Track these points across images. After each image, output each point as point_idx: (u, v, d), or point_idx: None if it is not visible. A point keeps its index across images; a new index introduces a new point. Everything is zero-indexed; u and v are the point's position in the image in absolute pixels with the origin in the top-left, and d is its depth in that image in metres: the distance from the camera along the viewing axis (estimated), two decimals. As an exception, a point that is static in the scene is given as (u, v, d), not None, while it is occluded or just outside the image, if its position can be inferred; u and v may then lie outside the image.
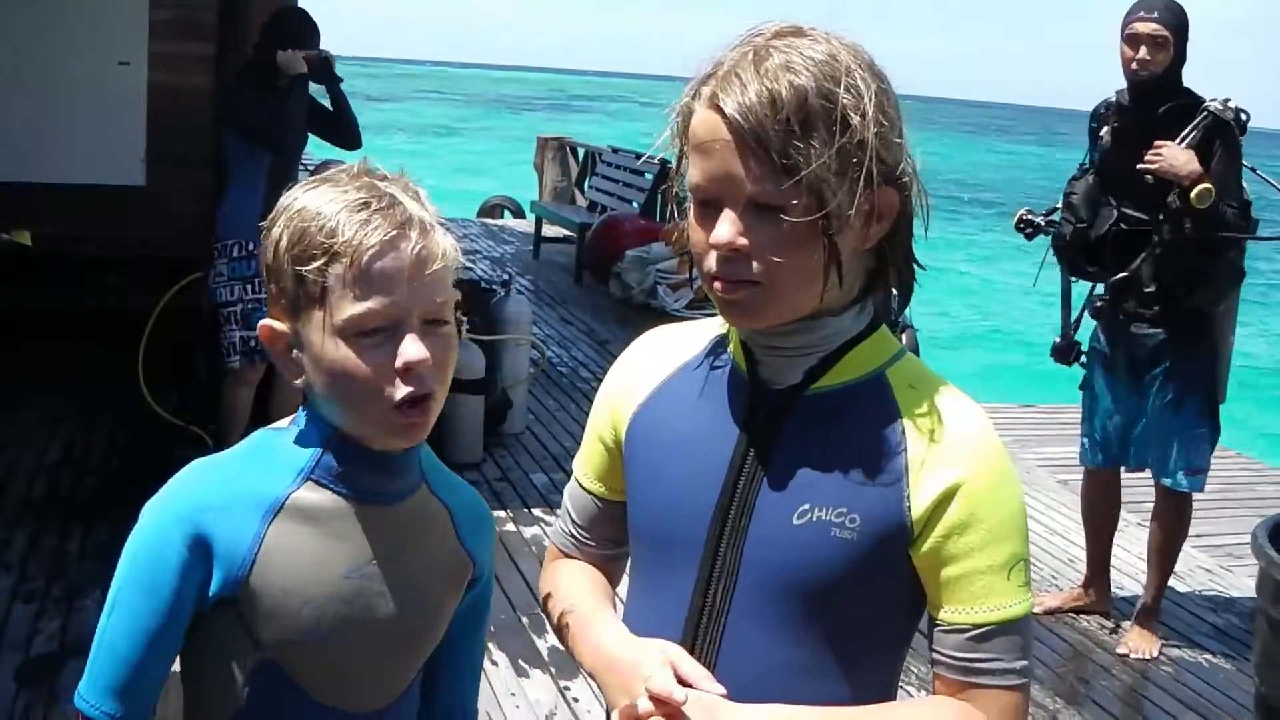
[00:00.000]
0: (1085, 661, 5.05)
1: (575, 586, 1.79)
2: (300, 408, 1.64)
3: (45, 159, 7.37)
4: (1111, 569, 5.52)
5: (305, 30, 6.08)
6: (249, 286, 5.80)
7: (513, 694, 4.44)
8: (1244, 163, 4.82)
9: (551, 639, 4.81)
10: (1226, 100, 4.74)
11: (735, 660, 1.56)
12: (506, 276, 8.51)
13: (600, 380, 1.83)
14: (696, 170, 1.52)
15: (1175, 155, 4.68)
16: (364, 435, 1.59)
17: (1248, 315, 5.11)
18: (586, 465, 1.82)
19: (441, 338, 1.57)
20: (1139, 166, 4.75)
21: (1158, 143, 4.71)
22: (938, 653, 1.56)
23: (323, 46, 6.15)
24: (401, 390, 1.53)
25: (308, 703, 1.60)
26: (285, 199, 1.58)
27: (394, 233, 1.52)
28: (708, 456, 1.61)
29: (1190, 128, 4.71)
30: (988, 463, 1.55)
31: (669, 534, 1.64)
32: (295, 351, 1.57)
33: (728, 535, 1.58)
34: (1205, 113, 4.72)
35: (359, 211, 1.52)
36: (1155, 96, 4.78)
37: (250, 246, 5.66)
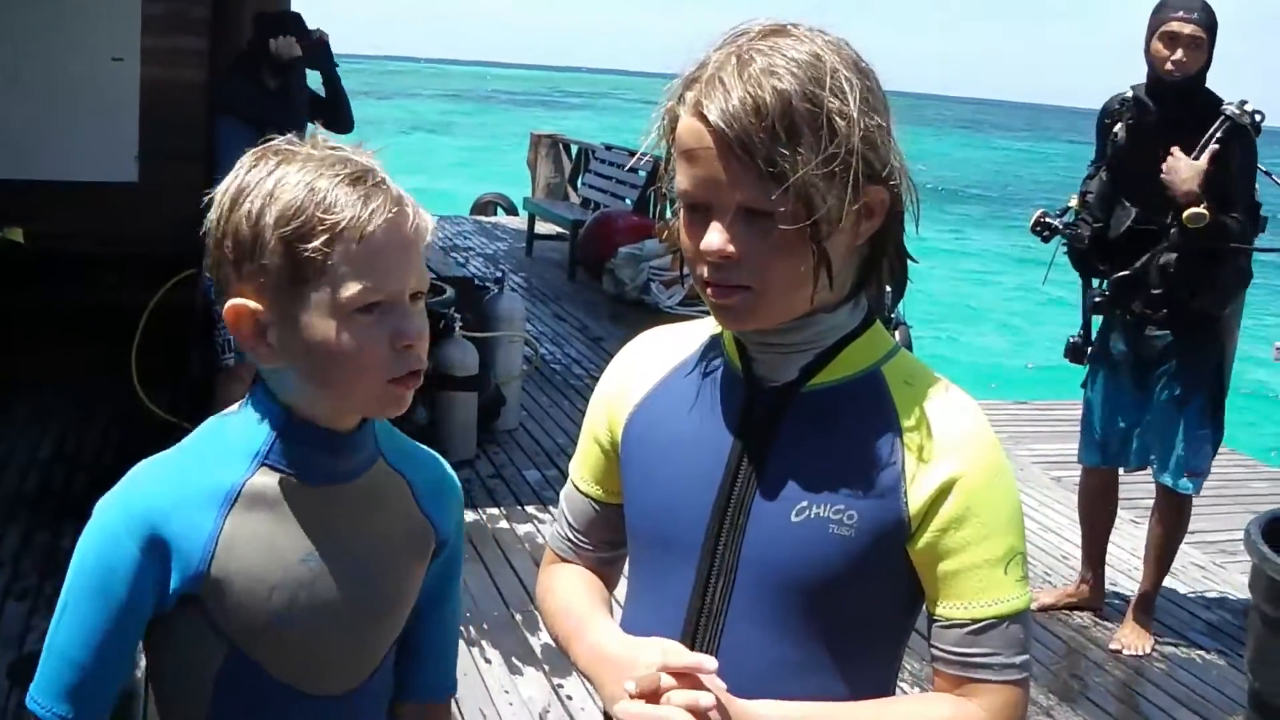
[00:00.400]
0: (1079, 658, 5.05)
1: (571, 591, 1.78)
2: (249, 392, 1.61)
3: (38, 156, 7.36)
4: (1107, 566, 5.52)
5: (296, 20, 6.11)
6: None
7: (506, 691, 4.44)
8: (1259, 166, 4.80)
9: (545, 637, 4.80)
10: (1243, 103, 4.71)
11: (734, 659, 1.55)
12: (499, 273, 8.49)
13: (593, 377, 1.83)
14: (684, 177, 1.51)
15: (1179, 169, 4.65)
16: (342, 411, 1.57)
17: (1253, 313, 5.10)
18: (582, 468, 1.82)
19: (422, 311, 1.57)
20: (1163, 175, 4.71)
21: (1175, 151, 4.68)
22: (936, 648, 1.56)
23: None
24: (403, 365, 1.53)
25: (280, 688, 1.59)
26: (247, 175, 1.53)
27: (395, 210, 1.51)
28: (704, 456, 1.61)
29: (1209, 135, 4.67)
30: (983, 458, 1.55)
31: (666, 535, 1.63)
32: (270, 332, 1.53)
33: (725, 534, 1.58)
34: (1223, 118, 4.68)
35: (355, 186, 1.50)
36: (1181, 97, 4.73)
37: None
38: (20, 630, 4.51)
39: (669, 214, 1.62)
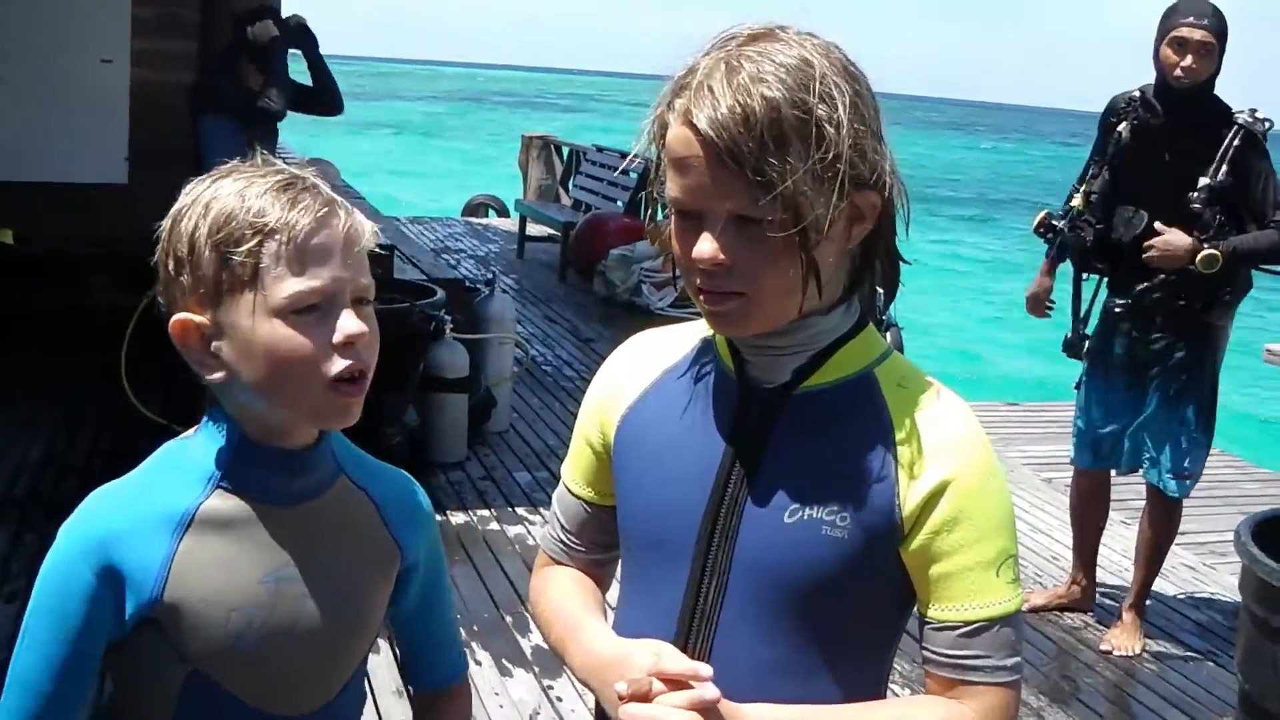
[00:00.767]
0: (1069, 659, 5.06)
1: (564, 593, 1.78)
2: (205, 414, 1.61)
3: (27, 158, 7.35)
4: (1097, 567, 5.52)
5: (273, 11, 6.14)
6: None
7: (496, 693, 4.43)
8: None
9: (535, 638, 4.80)
10: (1254, 111, 4.69)
11: (727, 660, 1.56)
12: (490, 275, 8.51)
13: (584, 379, 1.83)
14: (674, 185, 1.51)
15: (1171, 243, 4.66)
16: (287, 423, 1.57)
17: (1241, 316, 5.08)
18: (575, 470, 1.81)
19: (369, 317, 1.55)
20: (1144, 257, 4.72)
21: (1158, 227, 4.70)
22: (928, 650, 1.56)
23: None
24: (339, 364, 1.51)
25: (243, 709, 1.58)
26: (187, 195, 1.54)
27: (324, 210, 1.51)
28: (697, 458, 1.61)
29: (1225, 146, 4.65)
30: (976, 460, 1.55)
31: (659, 536, 1.63)
32: (215, 344, 1.53)
33: (718, 535, 1.58)
34: (1238, 127, 4.67)
35: (284, 192, 1.50)
36: (1189, 103, 4.70)
37: None
38: (9, 633, 4.49)
39: (660, 216, 1.62)
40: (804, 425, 1.57)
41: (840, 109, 1.45)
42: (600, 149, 15.35)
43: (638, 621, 1.65)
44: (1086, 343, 5.19)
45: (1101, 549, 5.52)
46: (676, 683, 1.48)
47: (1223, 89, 4.76)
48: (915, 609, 1.60)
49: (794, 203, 1.44)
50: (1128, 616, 5.19)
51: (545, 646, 4.75)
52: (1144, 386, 4.98)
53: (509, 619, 4.99)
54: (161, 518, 1.54)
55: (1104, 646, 5.12)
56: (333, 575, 1.63)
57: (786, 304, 1.51)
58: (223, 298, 1.50)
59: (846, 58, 1.51)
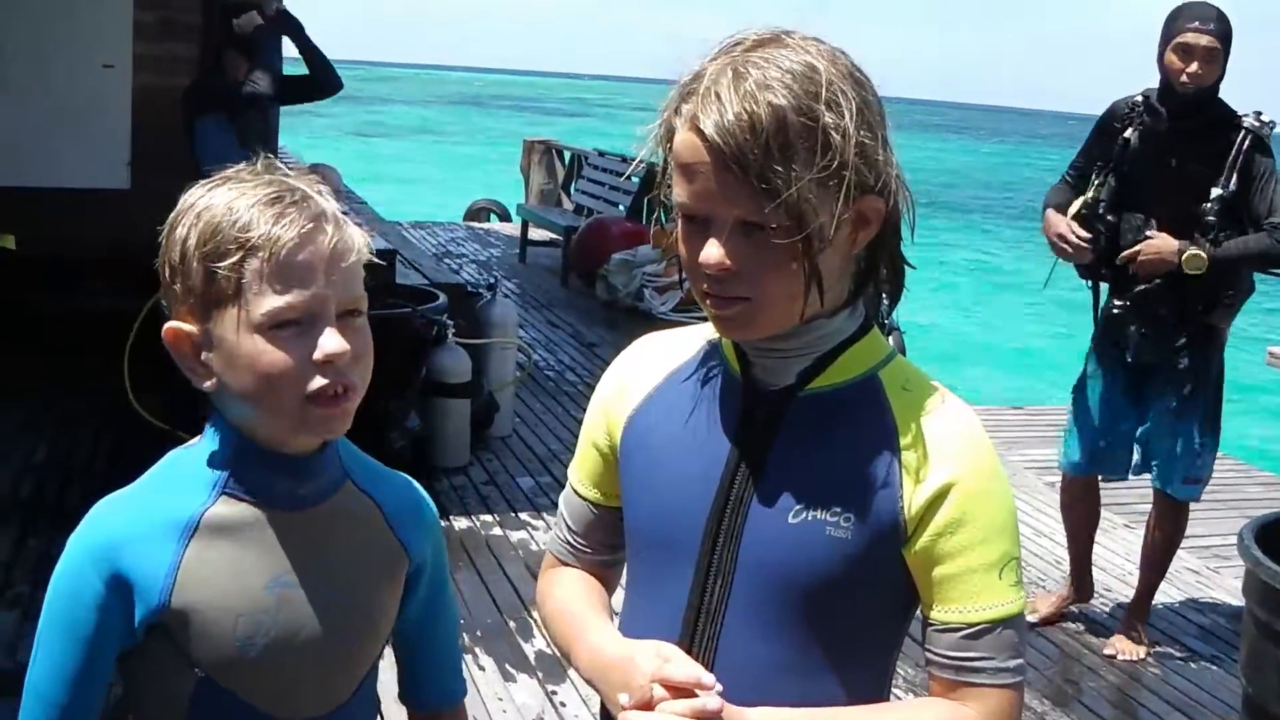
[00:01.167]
0: (1073, 663, 5.05)
1: (570, 594, 1.79)
2: (208, 421, 1.61)
3: (29, 163, 7.36)
4: (1100, 571, 5.52)
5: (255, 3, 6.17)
6: None
7: (500, 698, 4.43)
8: None
9: (539, 643, 4.80)
10: (1259, 114, 4.68)
11: (731, 659, 1.57)
12: (492, 280, 8.50)
13: (587, 383, 1.83)
14: (681, 190, 1.51)
15: (1158, 248, 4.67)
16: (277, 434, 1.57)
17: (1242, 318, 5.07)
18: (581, 472, 1.82)
19: (359, 330, 1.55)
20: (1130, 266, 4.74)
21: (1144, 247, 4.70)
22: (931, 652, 1.57)
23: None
24: (318, 382, 1.51)
25: (254, 715, 1.59)
26: (185, 200, 1.55)
27: (309, 225, 1.51)
28: (703, 459, 1.62)
29: (1235, 152, 4.64)
30: (979, 463, 1.56)
31: (665, 536, 1.64)
32: (204, 354, 1.54)
33: (723, 536, 1.59)
34: (1245, 131, 4.65)
35: (272, 206, 1.50)
36: (1195, 108, 4.69)
37: None
38: (12, 638, 4.50)
39: (665, 220, 1.62)
40: (809, 427, 1.58)
41: (847, 116, 1.45)
42: (602, 153, 15.35)
43: (643, 621, 1.66)
44: (1089, 354, 5.17)
45: (1104, 552, 5.52)
46: (680, 689, 1.48)
47: (1223, 91, 4.76)
48: (918, 611, 1.61)
49: (798, 210, 1.44)
50: (1132, 621, 5.19)
51: (549, 651, 4.77)
52: (1148, 390, 4.96)
53: (512, 624, 4.99)
54: (168, 524, 1.55)
55: (1108, 651, 5.11)
56: (339, 580, 1.63)
57: (791, 308, 1.52)
58: (210, 309, 1.51)
59: (853, 63, 1.52)
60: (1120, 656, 5.07)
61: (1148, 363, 4.92)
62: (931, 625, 1.57)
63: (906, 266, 1.63)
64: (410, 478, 1.81)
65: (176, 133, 7.05)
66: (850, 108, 1.46)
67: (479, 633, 4.90)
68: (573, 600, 1.77)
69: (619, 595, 1.82)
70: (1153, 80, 4.80)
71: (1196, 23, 4.58)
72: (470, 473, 6.78)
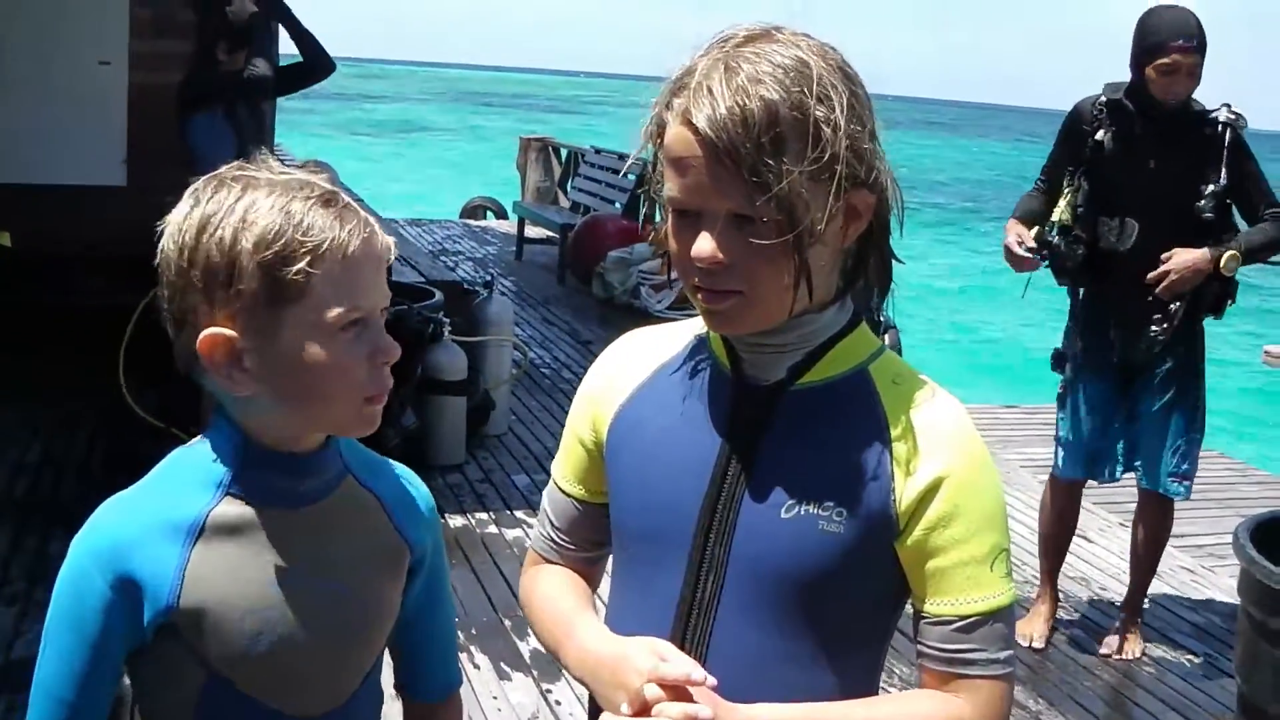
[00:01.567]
0: (1068, 662, 5.05)
1: (556, 591, 1.79)
2: (210, 421, 1.61)
3: (26, 160, 7.36)
4: (1094, 570, 5.53)
5: None
6: None
7: (494, 697, 4.43)
8: None
9: (534, 642, 4.80)
10: (1229, 106, 4.67)
11: (725, 653, 1.58)
12: (489, 277, 8.50)
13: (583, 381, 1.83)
14: (673, 184, 1.52)
15: (1188, 262, 4.63)
16: (310, 431, 1.58)
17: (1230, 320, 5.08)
18: (566, 468, 1.83)
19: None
20: (1163, 286, 4.67)
21: (1172, 265, 4.65)
22: (923, 644, 1.59)
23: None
24: (377, 382, 1.55)
25: (264, 710, 1.60)
26: (209, 204, 1.51)
27: (368, 229, 1.53)
28: (693, 453, 1.62)
29: (1225, 153, 4.63)
30: (970, 456, 1.58)
31: (655, 530, 1.64)
32: (246, 359, 1.51)
33: (715, 530, 1.59)
34: (1224, 126, 4.64)
35: (327, 207, 1.51)
36: (1173, 112, 4.66)
37: None
38: (9, 636, 4.50)
39: (657, 217, 1.63)
40: (799, 422, 1.59)
41: (837, 110, 1.46)
42: (598, 151, 15.36)
43: (631, 615, 1.66)
44: (1071, 359, 5.15)
45: (1100, 551, 5.53)
46: (676, 689, 1.49)
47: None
48: (909, 604, 1.62)
49: (789, 203, 1.45)
50: (1126, 620, 5.19)
51: (544, 650, 4.73)
52: (1134, 392, 4.95)
53: (507, 622, 4.99)
54: (172, 526, 1.55)
55: (1103, 650, 5.12)
56: (344, 574, 1.64)
57: (782, 302, 1.53)
58: (263, 313, 1.50)
59: (843, 59, 1.53)
60: (1116, 656, 5.07)
61: (1135, 363, 4.91)
62: (923, 618, 1.58)
63: (895, 262, 1.64)
64: (409, 470, 1.81)
65: (173, 129, 7.05)
66: (841, 101, 1.47)
67: (474, 631, 4.90)
68: (559, 597, 1.77)
69: (603, 589, 1.82)
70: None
71: (1180, 40, 4.52)
72: (466, 471, 6.78)
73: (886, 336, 8.51)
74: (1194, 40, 4.54)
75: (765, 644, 1.58)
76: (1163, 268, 4.67)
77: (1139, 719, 4.67)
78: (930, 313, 20.86)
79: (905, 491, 1.54)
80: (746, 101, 1.44)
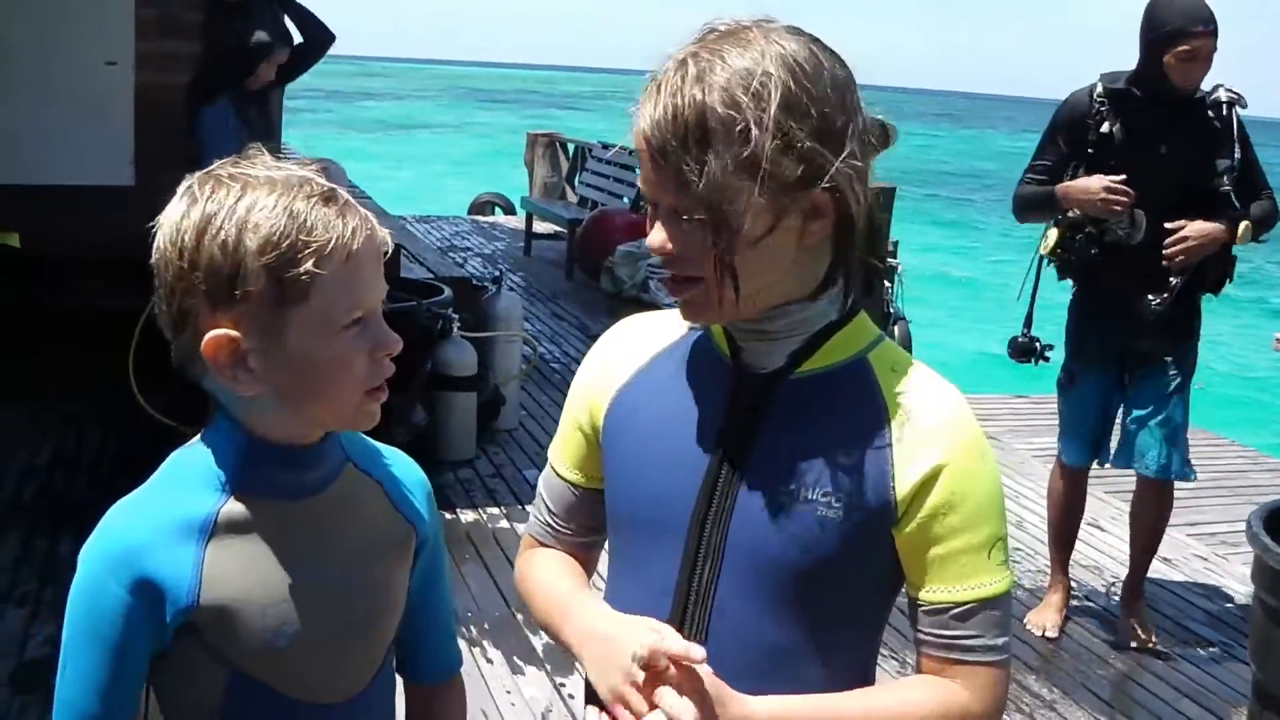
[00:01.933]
0: (1081, 651, 5.05)
1: (553, 573, 1.81)
2: (210, 419, 1.61)
3: (32, 161, 7.35)
4: (1106, 557, 5.51)
5: None
6: None
7: (508, 691, 4.43)
8: None
9: (546, 636, 4.80)
10: (1226, 86, 4.67)
11: (723, 638, 1.58)
12: (497, 273, 8.49)
13: (591, 375, 1.83)
14: (639, 175, 1.57)
15: (1204, 231, 4.63)
16: (315, 426, 1.59)
17: (1241, 306, 5.08)
18: (563, 454, 1.84)
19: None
20: (1175, 256, 4.65)
21: (1189, 232, 4.64)
22: (921, 632, 1.60)
23: None
24: (378, 375, 1.56)
25: (286, 702, 1.60)
26: (208, 204, 1.49)
27: (369, 227, 1.54)
28: (690, 440, 1.63)
29: (1237, 133, 4.64)
30: (968, 444, 1.58)
31: (652, 516, 1.65)
32: (252, 359, 1.50)
33: (713, 517, 1.60)
34: (1228, 105, 4.64)
35: (328, 205, 1.51)
36: (1186, 99, 4.65)
37: None
38: (20, 637, 4.51)
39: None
40: (798, 409, 1.59)
41: (770, 107, 1.45)
42: (605, 146, 15.34)
43: (628, 601, 1.66)
44: (1039, 348, 5.15)
45: (1112, 540, 5.52)
46: (678, 666, 1.50)
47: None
48: (905, 591, 1.63)
49: (710, 201, 1.47)
50: (1133, 605, 5.17)
51: (540, 627, 4.73)
52: (1139, 378, 4.93)
53: (520, 616, 4.98)
54: (183, 526, 1.54)
55: (1116, 638, 5.10)
56: (354, 562, 1.65)
57: (745, 293, 1.53)
58: (268, 313, 1.49)
59: (820, 52, 1.51)
60: (1129, 644, 5.05)
61: (1141, 349, 4.89)
62: (921, 605, 1.59)
63: (891, 259, 1.64)
64: (404, 453, 1.82)
65: (180, 130, 7.05)
66: (776, 98, 1.46)
67: (486, 626, 4.90)
68: (556, 580, 1.79)
69: (598, 581, 1.82)
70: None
71: (1200, 25, 4.51)
72: (476, 466, 6.78)
73: (896, 328, 8.51)
74: (1210, 24, 4.53)
75: (763, 630, 1.59)
76: (1181, 233, 4.65)
77: (1153, 707, 4.66)
78: (942, 302, 20.83)
79: (904, 479, 1.55)
80: (678, 101, 1.47)
